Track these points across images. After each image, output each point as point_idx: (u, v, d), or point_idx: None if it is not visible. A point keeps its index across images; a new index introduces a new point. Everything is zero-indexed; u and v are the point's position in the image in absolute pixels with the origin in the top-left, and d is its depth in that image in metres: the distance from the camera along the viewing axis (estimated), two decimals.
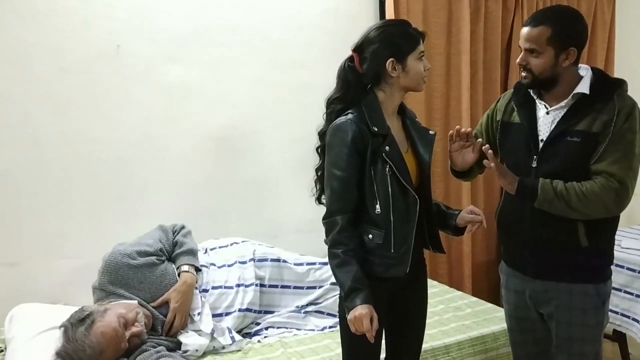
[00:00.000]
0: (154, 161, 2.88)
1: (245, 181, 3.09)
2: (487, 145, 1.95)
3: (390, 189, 1.85)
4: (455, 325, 2.62)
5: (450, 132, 2.07)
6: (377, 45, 1.87)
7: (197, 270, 2.60)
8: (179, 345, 2.40)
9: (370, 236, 1.88)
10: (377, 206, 1.86)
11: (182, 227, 2.72)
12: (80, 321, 2.18)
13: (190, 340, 2.40)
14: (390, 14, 3.23)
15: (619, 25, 4.04)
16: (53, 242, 2.72)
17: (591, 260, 1.95)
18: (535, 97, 2.01)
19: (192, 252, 2.63)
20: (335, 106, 1.95)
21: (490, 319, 2.67)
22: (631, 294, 2.83)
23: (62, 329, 2.19)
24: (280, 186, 3.17)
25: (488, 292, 3.70)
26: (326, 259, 2.89)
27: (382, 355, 2.06)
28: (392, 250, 1.88)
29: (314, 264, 2.83)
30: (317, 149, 2.02)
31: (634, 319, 2.81)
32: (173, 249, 2.64)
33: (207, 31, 2.92)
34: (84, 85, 2.70)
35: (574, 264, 1.96)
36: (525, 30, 1.92)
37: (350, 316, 1.78)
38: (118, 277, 2.43)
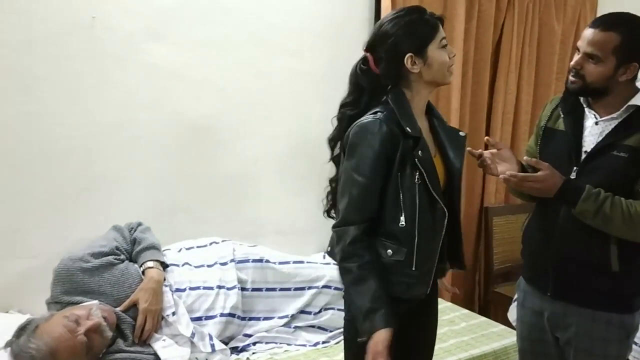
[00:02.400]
0: (126, 150, 2.54)
1: (225, 176, 2.80)
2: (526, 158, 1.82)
3: (418, 200, 1.63)
4: (455, 342, 2.49)
5: (477, 151, 1.90)
6: (391, 41, 1.64)
7: (164, 266, 2.33)
8: (157, 358, 2.12)
9: (390, 252, 1.65)
10: (402, 218, 1.63)
11: (139, 224, 2.45)
12: (22, 330, 1.94)
13: (169, 352, 2.13)
14: (386, 4, 3.03)
15: None
16: (5, 239, 2.35)
17: (620, 287, 1.82)
18: (585, 105, 1.86)
19: (155, 247, 2.36)
20: (345, 111, 1.73)
21: (488, 335, 2.56)
22: None
23: (8, 348, 1.93)
24: (262, 183, 2.91)
25: (464, 300, 3.62)
26: (314, 258, 2.73)
27: None
28: (414, 269, 1.66)
29: (301, 262, 2.60)
30: (332, 159, 1.79)
31: None
32: (132, 247, 2.37)
33: (195, 7, 2.59)
34: (52, 60, 2.32)
35: (600, 289, 1.82)
36: (590, 32, 1.74)
37: (371, 342, 1.54)
38: (73, 285, 2.15)
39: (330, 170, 1.80)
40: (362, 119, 1.66)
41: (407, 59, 1.63)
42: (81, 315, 1.96)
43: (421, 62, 1.65)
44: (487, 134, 3.59)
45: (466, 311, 2.85)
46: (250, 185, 2.88)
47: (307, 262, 2.62)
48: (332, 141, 1.77)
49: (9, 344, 1.93)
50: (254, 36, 2.75)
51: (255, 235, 2.89)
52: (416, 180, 1.63)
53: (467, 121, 3.46)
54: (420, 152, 1.63)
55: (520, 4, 3.53)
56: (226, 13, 2.67)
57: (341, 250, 1.63)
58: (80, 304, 2.09)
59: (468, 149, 1.88)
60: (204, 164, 2.74)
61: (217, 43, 2.66)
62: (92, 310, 2.00)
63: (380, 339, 1.54)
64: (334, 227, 1.67)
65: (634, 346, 2.69)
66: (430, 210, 1.67)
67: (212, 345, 2.21)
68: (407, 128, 1.62)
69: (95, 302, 2.11)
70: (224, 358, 2.22)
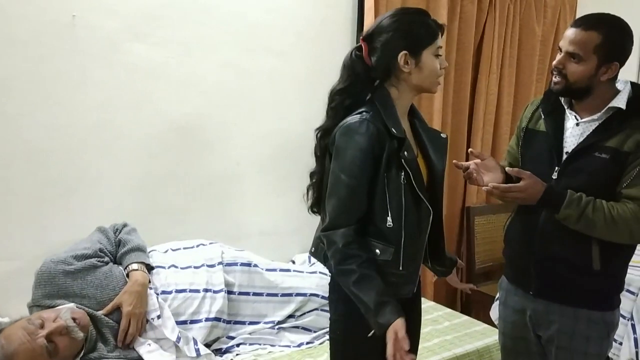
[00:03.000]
0: (108, 151, 2.51)
1: (208, 177, 2.78)
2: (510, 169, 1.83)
3: (404, 200, 1.64)
4: (439, 341, 2.50)
5: (463, 164, 1.91)
6: (390, 35, 1.64)
7: (150, 268, 2.31)
8: None
9: (378, 252, 1.66)
10: (389, 219, 1.64)
11: (125, 225, 2.42)
12: None
13: (154, 358, 2.10)
14: (369, 5, 3.03)
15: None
16: None
17: (601, 286, 1.85)
18: (565, 106, 1.88)
19: (140, 249, 2.34)
20: (341, 99, 1.70)
21: (472, 334, 2.58)
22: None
23: None
24: (245, 184, 2.89)
25: (446, 297, 3.65)
26: (300, 267, 2.72)
27: None
28: (401, 268, 1.68)
29: (288, 270, 2.59)
30: (315, 151, 1.77)
31: (619, 343, 2.78)
32: (117, 249, 2.34)
33: (178, 7, 2.57)
34: (31, 59, 2.28)
35: (582, 287, 1.85)
36: (572, 31, 1.76)
37: (390, 333, 1.54)
38: (55, 288, 2.11)
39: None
40: (348, 119, 1.65)
41: (402, 56, 1.64)
42: (47, 318, 1.93)
43: (413, 63, 1.65)
44: (469, 134, 3.62)
45: (449, 310, 2.87)
46: (233, 185, 2.86)
47: (294, 271, 2.60)
48: (321, 131, 1.73)
49: None
50: (236, 36, 2.73)
51: (239, 236, 2.88)
52: (402, 180, 1.63)
53: (449, 122, 3.48)
54: (405, 152, 1.63)
55: (501, 5, 3.56)
56: (208, 13, 2.65)
57: (336, 253, 1.62)
58: (52, 308, 2.05)
59: (454, 161, 1.91)
60: (186, 164, 2.71)
61: (199, 43, 2.64)
62: (60, 313, 1.96)
63: (398, 327, 1.54)
64: (323, 230, 1.66)
65: (613, 343, 2.75)
66: (416, 209, 1.68)
67: (197, 350, 2.19)
68: (393, 129, 1.62)
69: (71, 305, 2.07)
70: (204, 357, 2.19)
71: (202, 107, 2.70)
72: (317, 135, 1.75)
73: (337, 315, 1.76)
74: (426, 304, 2.90)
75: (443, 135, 1.82)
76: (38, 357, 1.86)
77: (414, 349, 1.91)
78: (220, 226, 2.83)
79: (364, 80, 1.70)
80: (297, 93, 2.91)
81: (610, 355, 2.80)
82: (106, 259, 2.28)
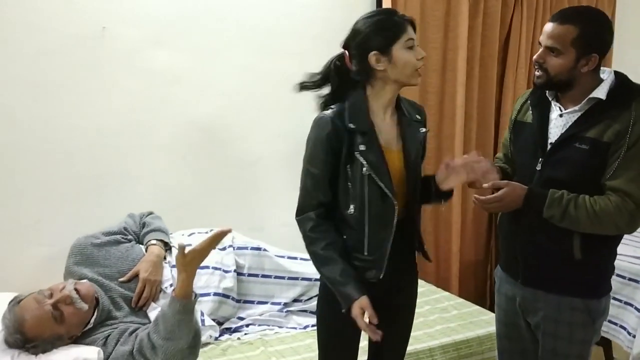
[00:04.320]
0: (135, 149, 2.79)
1: (230, 173, 3.00)
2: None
3: (366, 191, 1.75)
4: (441, 328, 2.57)
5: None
6: (360, 39, 1.77)
7: (167, 246, 2.54)
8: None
9: (345, 236, 1.80)
10: (352, 207, 1.77)
11: (150, 213, 2.68)
12: (9, 303, 2.15)
13: None
14: (387, 5, 3.14)
15: (619, 20, 3.96)
16: (27, 229, 2.63)
17: (582, 275, 1.87)
18: (550, 98, 1.91)
19: (161, 230, 2.59)
20: (323, 100, 1.88)
21: (476, 322, 2.62)
22: (620, 300, 2.79)
23: None
24: (266, 179, 3.08)
25: (475, 292, 3.66)
26: (305, 256, 2.86)
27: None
28: (366, 253, 1.79)
29: (295, 258, 2.76)
30: None
31: (621, 326, 2.76)
32: (141, 230, 2.60)
33: (196, 16, 2.81)
34: (65, 68, 2.59)
35: (565, 276, 1.88)
36: (550, 26, 1.79)
37: (355, 310, 1.69)
38: (83, 257, 2.39)
39: None
40: (319, 114, 1.81)
41: (372, 56, 1.75)
42: (55, 289, 2.13)
43: (386, 60, 1.75)
44: (497, 129, 3.64)
45: (461, 300, 2.91)
46: (254, 180, 3.06)
47: (300, 259, 2.76)
48: None
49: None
50: (253, 41, 2.94)
51: (262, 227, 3.06)
52: (364, 172, 1.74)
53: (474, 116, 3.51)
54: (362, 146, 1.74)
55: (528, 1, 3.55)
56: (225, 20, 2.87)
57: (304, 237, 1.79)
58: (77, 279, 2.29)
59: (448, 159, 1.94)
60: (209, 161, 2.95)
61: (216, 48, 2.87)
62: (67, 284, 2.17)
63: (364, 303, 1.68)
64: (295, 217, 1.82)
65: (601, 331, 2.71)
66: (381, 201, 1.77)
67: (202, 320, 2.39)
68: (350, 124, 1.75)
69: (84, 281, 2.27)
70: (212, 334, 2.40)
71: (222, 107, 2.93)
72: None
73: (319, 294, 1.92)
74: (439, 294, 2.97)
75: (422, 130, 1.88)
76: (45, 322, 2.07)
77: (402, 336, 2.02)
78: (243, 218, 3.03)
79: (343, 85, 1.84)
80: (313, 93, 3.06)
81: (623, 347, 2.78)
82: (129, 237, 2.55)
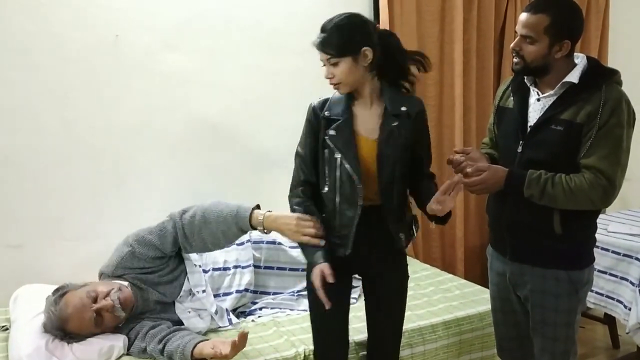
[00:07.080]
0: (150, 147, 2.96)
1: (241, 167, 3.17)
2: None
3: (338, 173, 1.95)
4: (443, 306, 2.70)
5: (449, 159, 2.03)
6: None
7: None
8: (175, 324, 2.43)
9: (324, 215, 2.03)
10: (326, 187, 1.99)
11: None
12: (56, 291, 2.28)
13: (190, 323, 2.42)
14: (383, 2, 3.28)
15: (613, 11, 4.08)
16: (55, 224, 2.81)
17: (563, 247, 1.99)
18: (529, 83, 2.04)
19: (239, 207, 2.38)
20: None
21: (478, 300, 2.74)
22: (615, 276, 2.90)
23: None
24: (275, 173, 3.22)
25: (481, 275, 3.74)
26: None
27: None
28: (336, 232, 2.00)
29: None
30: None
31: (618, 300, 2.88)
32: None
33: (203, 19, 2.98)
34: (83, 73, 2.77)
35: (547, 249, 2.01)
36: (524, 16, 1.93)
37: (315, 270, 1.91)
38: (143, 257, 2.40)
39: None
40: None
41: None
42: (100, 293, 2.23)
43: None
44: None
45: (464, 281, 3.04)
46: (264, 175, 3.21)
47: None
48: None
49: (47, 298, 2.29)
50: (259, 41, 3.11)
51: None
52: (336, 155, 1.95)
53: (473, 106, 3.65)
54: (332, 131, 1.95)
55: None
56: (232, 22, 3.04)
57: (291, 211, 2.06)
58: (112, 281, 2.33)
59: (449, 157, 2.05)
60: (220, 157, 3.12)
61: (224, 50, 3.04)
62: (111, 292, 2.24)
63: (323, 267, 1.90)
64: (288, 195, 2.08)
65: (596, 295, 2.88)
66: (349, 183, 1.96)
67: (230, 320, 2.54)
68: (325, 112, 1.98)
69: (124, 283, 2.33)
70: (235, 325, 2.54)
71: (231, 105, 3.10)
72: None
73: (307, 268, 2.09)
74: (444, 277, 3.11)
75: (394, 124, 1.96)
76: (87, 323, 2.21)
77: (394, 316, 2.18)
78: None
79: None
80: (319, 89, 3.21)
81: (621, 320, 2.90)
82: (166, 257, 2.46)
